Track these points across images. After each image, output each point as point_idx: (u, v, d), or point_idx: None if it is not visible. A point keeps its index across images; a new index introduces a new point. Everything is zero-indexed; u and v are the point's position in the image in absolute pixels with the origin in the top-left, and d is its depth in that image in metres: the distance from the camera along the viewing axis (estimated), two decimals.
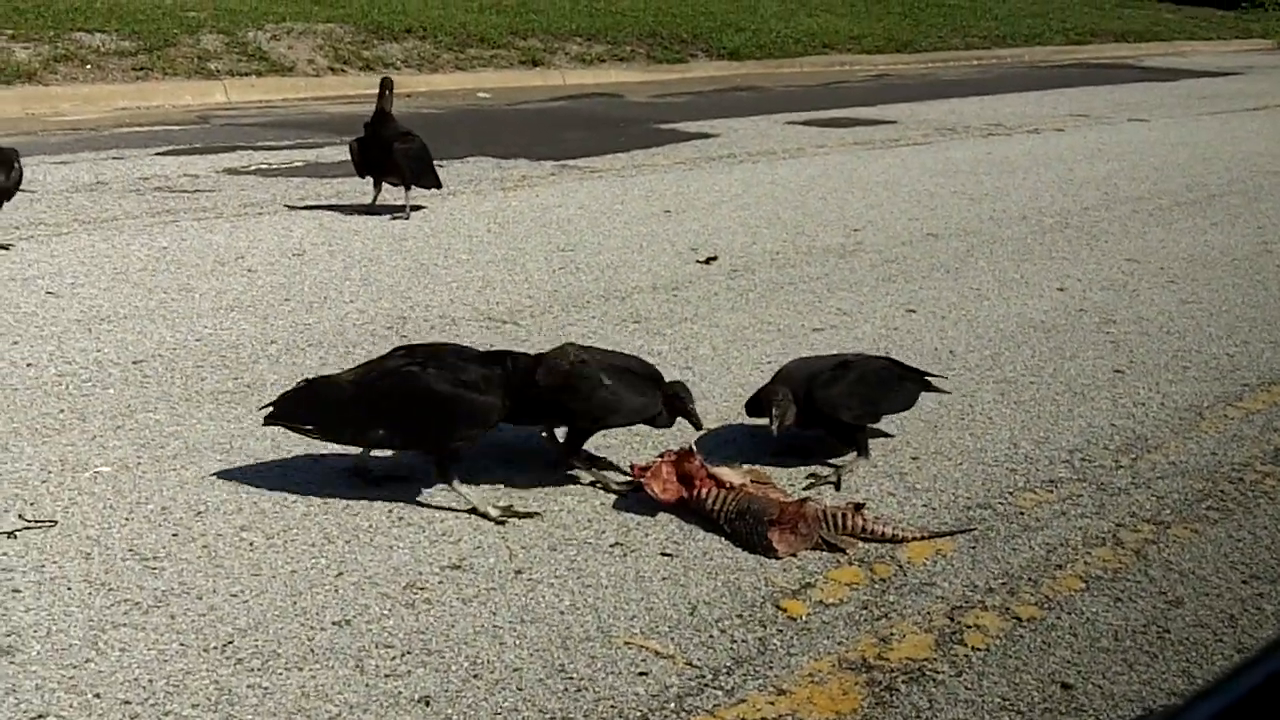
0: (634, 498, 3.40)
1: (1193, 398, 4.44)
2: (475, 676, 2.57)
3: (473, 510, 3.27)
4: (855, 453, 3.71)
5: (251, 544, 3.09)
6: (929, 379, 4.01)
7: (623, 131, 10.40)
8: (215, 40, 12.47)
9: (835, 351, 4.60)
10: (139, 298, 5.16)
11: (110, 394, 4.08)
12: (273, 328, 4.84)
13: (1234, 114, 13.56)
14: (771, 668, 2.65)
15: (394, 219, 6.74)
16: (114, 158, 8.26)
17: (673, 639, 2.74)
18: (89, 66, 11.37)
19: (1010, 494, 3.57)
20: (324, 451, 3.64)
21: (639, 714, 2.48)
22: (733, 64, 16.01)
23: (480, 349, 3.53)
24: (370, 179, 6.85)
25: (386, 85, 6.84)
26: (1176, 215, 7.79)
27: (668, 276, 5.82)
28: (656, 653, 2.69)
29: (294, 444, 3.70)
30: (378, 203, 6.87)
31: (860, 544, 3.19)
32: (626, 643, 2.72)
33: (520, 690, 2.53)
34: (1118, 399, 4.39)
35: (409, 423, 3.26)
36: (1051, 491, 3.60)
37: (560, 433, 3.59)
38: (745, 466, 3.52)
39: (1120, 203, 8.13)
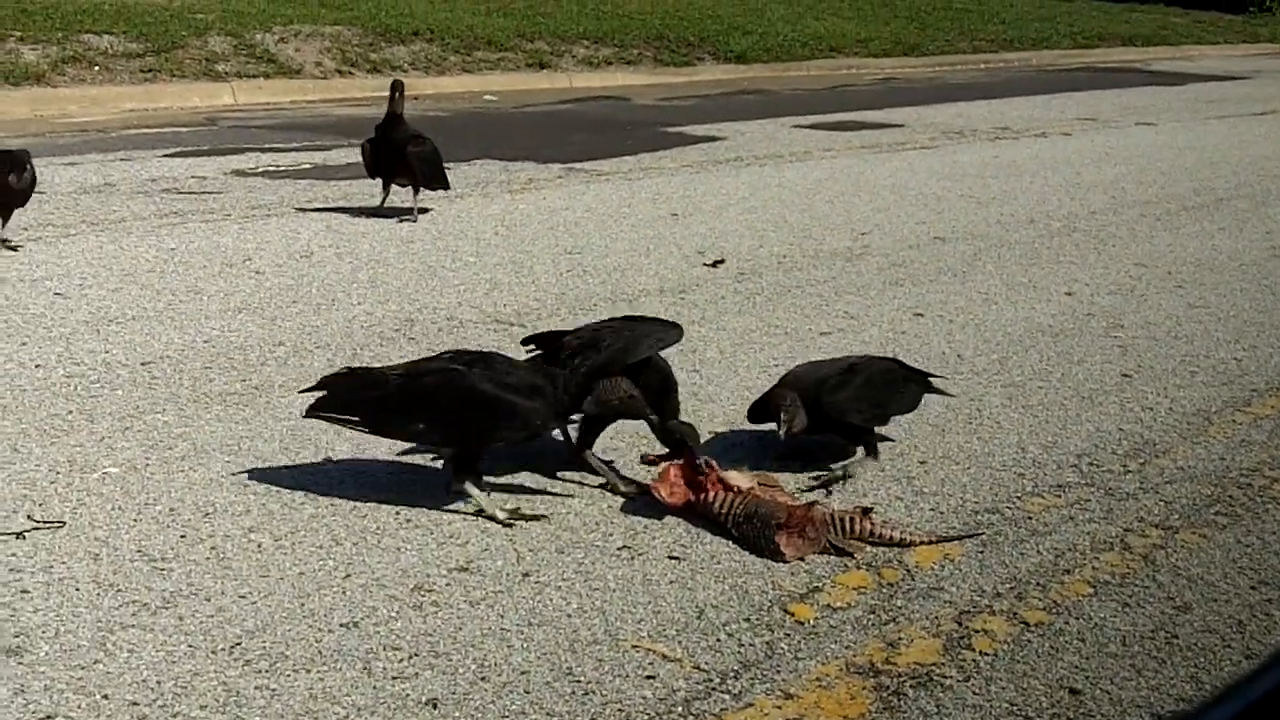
0: (641, 501, 3.41)
1: (1201, 403, 4.44)
2: (483, 679, 2.57)
3: (479, 512, 3.27)
4: (864, 453, 3.70)
5: (259, 545, 3.09)
6: (932, 381, 4.01)
7: (629, 134, 10.41)
8: (223, 42, 12.49)
9: (842, 354, 4.61)
10: (147, 299, 5.17)
11: (118, 395, 4.09)
12: (280, 329, 4.84)
13: (1241, 118, 13.55)
14: (779, 672, 2.65)
15: (401, 221, 6.75)
16: (122, 159, 8.27)
17: (680, 642, 2.74)
18: (97, 68, 11.39)
19: (1018, 499, 3.56)
20: (331, 453, 3.65)
21: (646, 717, 2.48)
22: (740, 67, 16.00)
23: (528, 362, 3.54)
24: (380, 180, 6.86)
25: (397, 88, 6.85)
26: (1184, 220, 7.78)
27: (674, 279, 5.82)
28: (664, 656, 2.69)
29: (301, 445, 3.70)
30: (385, 205, 6.88)
31: (868, 548, 3.19)
32: (634, 646, 2.72)
33: (527, 693, 2.53)
34: (1126, 404, 4.39)
35: (450, 419, 3.26)
36: (1059, 496, 3.59)
37: (572, 430, 3.59)
38: (752, 471, 3.51)
39: (1128, 207, 8.12)
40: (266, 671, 2.57)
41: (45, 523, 3.16)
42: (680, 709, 2.51)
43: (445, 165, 7.00)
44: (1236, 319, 5.55)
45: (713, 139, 10.25)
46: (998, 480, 3.68)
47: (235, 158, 8.55)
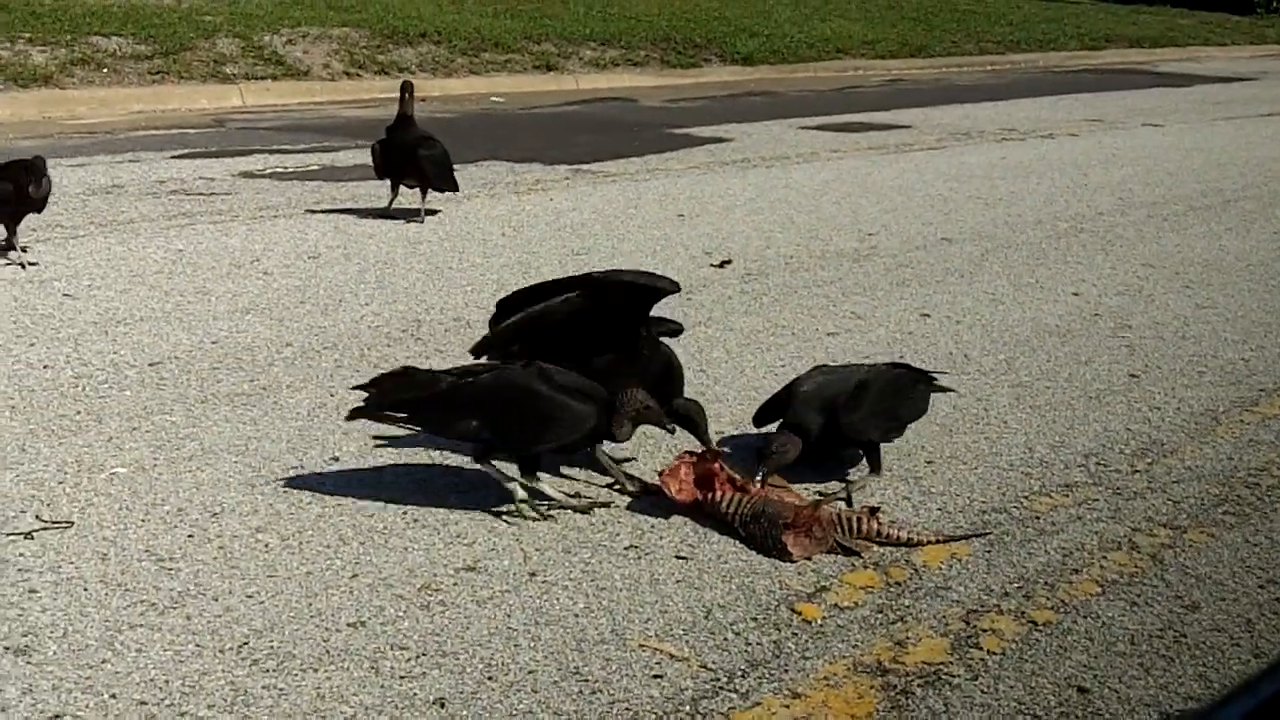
0: (649, 500, 3.41)
1: (1209, 402, 4.43)
2: (490, 679, 2.57)
3: (560, 506, 3.29)
4: (870, 469, 3.64)
5: (267, 545, 3.10)
6: (935, 379, 3.98)
7: (636, 136, 10.41)
8: (231, 44, 12.51)
9: (848, 358, 4.61)
10: (155, 300, 5.18)
11: (126, 396, 4.09)
12: (288, 330, 4.85)
13: (1249, 119, 13.53)
14: (786, 671, 2.65)
15: (409, 223, 6.75)
16: (130, 161, 8.29)
17: (687, 642, 2.74)
18: (105, 70, 11.42)
19: (1025, 498, 3.56)
20: (338, 455, 3.66)
21: (653, 717, 2.48)
22: (746, 69, 16.01)
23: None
24: (389, 181, 6.87)
25: (407, 89, 6.86)
26: (1191, 220, 7.77)
27: (681, 280, 5.77)
28: (671, 655, 2.69)
29: (309, 446, 3.71)
30: (393, 207, 6.88)
31: (875, 548, 3.19)
32: (641, 645, 2.72)
33: (535, 692, 2.53)
34: (1133, 403, 4.38)
35: (504, 418, 3.25)
36: (1067, 496, 3.59)
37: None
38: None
39: (1135, 208, 8.11)
40: (274, 671, 2.57)
41: (53, 523, 3.16)
42: (688, 708, 2.51)
43: (453, 167, 7.00)
44: (1244, 319, 5.54)
45: (719, 140, 10.26)
46: (1005, 480, 3.68)
47: (243, 159, 8.56)
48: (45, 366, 4.34)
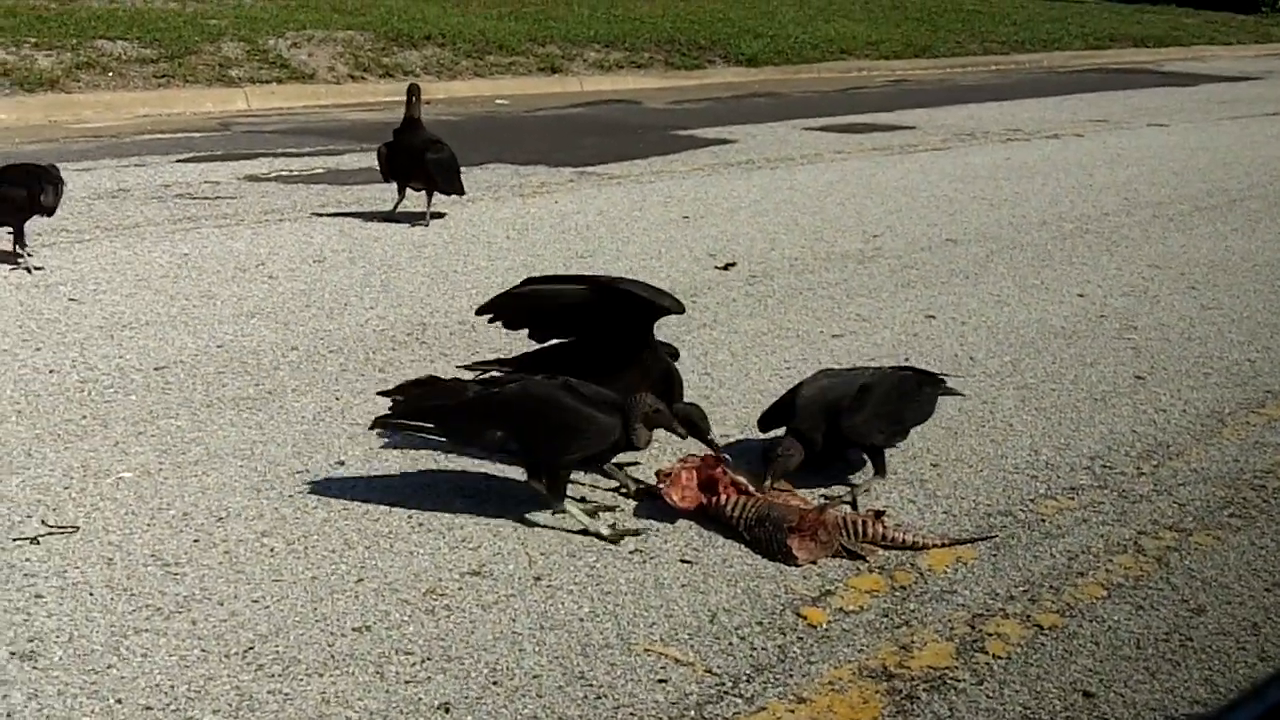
0: (653, 504, 3.41)
1: (1214, 404, 4.42)
2: (495, 683, 2.57)
3: (584, 530, 3.23)
4: (874, 472, 3.64)
5: (272, 550, 3.10)
6: (944, 381, 3.98)
7: (641, 138, 10.41)
8: (236, 48, 12.53)
9: (854, 360, 4.61)
10: (161, 304, 5.19)
11: (132, 400, 4.10)
12: (293, 334, 4.86)
13: (1254, 119, 13.51)
14: (791, 675, 2.65)
15: (414, 226, 6.76)
16: (136, 165, 8.30)
17: (692, 646, 2.74)
18: (111, 74, 11.44)
19: (1031, 501, 3.55)
20: (344, 459, 3.66)
21: None
22: (750, 70, 16.01)
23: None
24: (395, 184, 6.87)
25: (414, 92, 6.86)
26: (1197, 220, 7.76)
27: (686, 283, 5.81)
28: (676, 660, 2.68)
29: (314, 450, 3.71)
30: (399, 210, 6.88)
31: (880, 551, 3.19)
32: (646, 650, 2.72)
33: (540, 697, 2.53)
34: (1139, 405, 4.38)
35: (529, 429, 3.23)
36: (1073, 499, 3.58)
37: None
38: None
39: (1140, 208, 8.10)
40: (279, 676, 2.57)
41: (59, 527, 3.17)
42: (693, 713, 2.51)
43: (460, 170, 7.01)
44: (1250, 320, 5.54)
45: (724, 142, 10.25)
46: (1010, 483, 3.68)
47: (248, 163, 8.57)
48: (51, 371, 4.35)
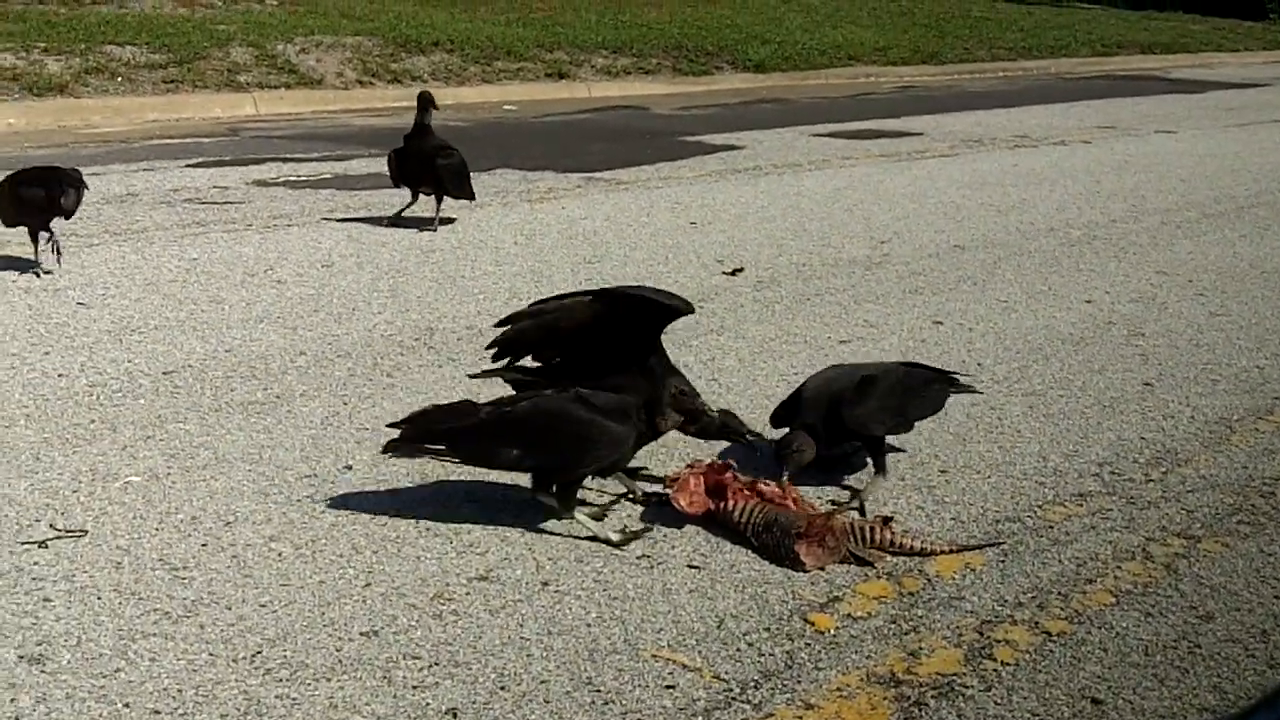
0: (661, 509, 3.41)
1: (1223, 411, 4.41)
2: (502, 688, 2.57)
3: (593, 537, 3.22)
4: (876, 472, 3.64)
5: (280, 554, 3.10)
6: (956, 379, 3.97)
7: (648, 144, 10.42)
8: (245, 53, 12.56)
9: (861, 362, 4.60)
10: (169, 309, 5.20)
11: (140, 404, 4.11)
12: (301, 339, 4.86)
13: (1262, 125, 13.49)
14: (799, 682, 2.64)
15: (422, 231, 6.77)
16: (144, 169, 8.32)
17: (700, 652, 2.74)
18: (120, 79, 11.47)
19: (1039, 507, 3.55)
20: (352, 464, 3.66)
21: None
22: (758, 76, 16.02)
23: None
24: (407, 189, 6.89)
25: (428, 100, 6.85)
26: (1205, 227, 7.75)
27: (693, 288, 5.81)
28: (684, 666, 2.68)
29: (322, 454, 3.72)
30: (407, 214, 6.89)
31: (888, 557, 3.18)
32: (654, 655, 2.72)
33: (547, 703, 2.53)
34: (1147, 412, 4.37)
35: (545, 444, 3.21)
36: (1081, 505, 3.58)
37: None
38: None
39: (1148, 214, 8.09)
40: (287, 680, 2.57)
41: (67, 531, 3.17)
42: (700, 719, 2.50)
43: (470, 175, 7.02)
44: (1258, 326, 5.53)
45: (731, 148, 10.26)
46: (1019, 489, 3.67)
47: (257, 168, 8.59)
48: (60, 375, 4.36)
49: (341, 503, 3.40)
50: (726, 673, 2.66)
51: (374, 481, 3.53)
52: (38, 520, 3.23)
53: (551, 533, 3.26)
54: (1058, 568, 3.19)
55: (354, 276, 5.84)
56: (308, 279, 5.75)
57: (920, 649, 2.78)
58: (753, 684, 2.63)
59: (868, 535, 3.19)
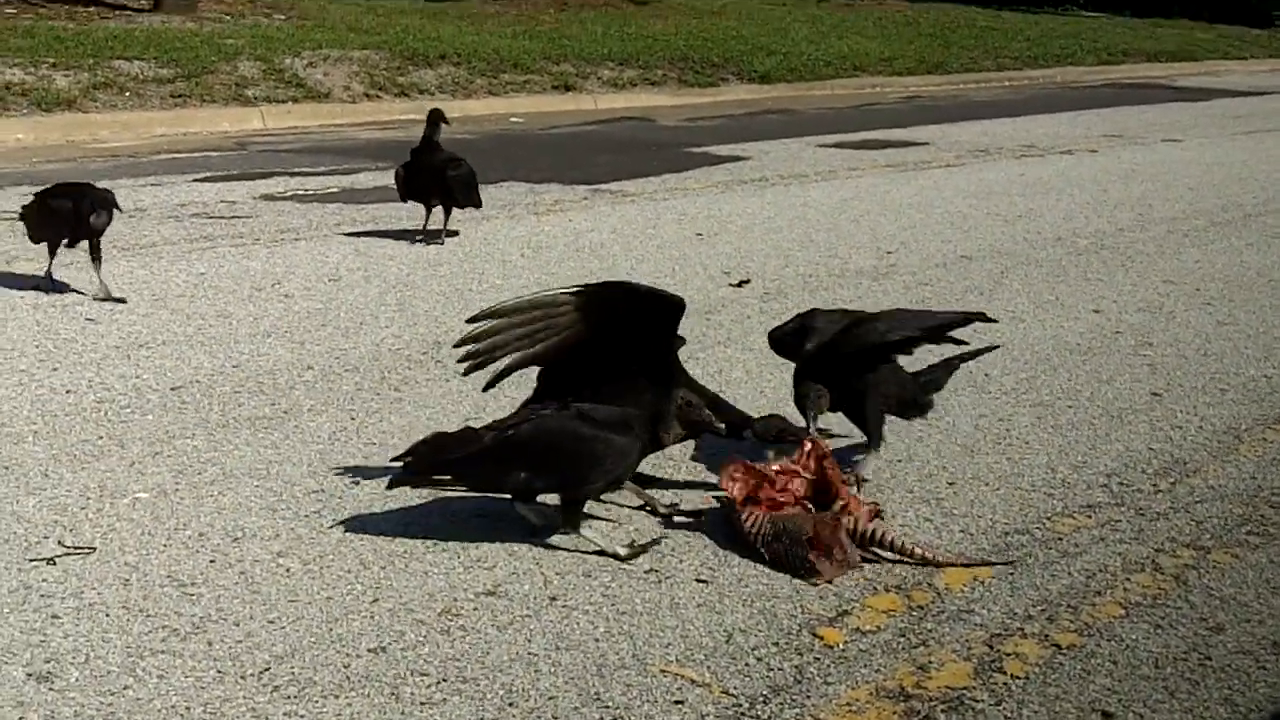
0: (669, 523, 3.41)
1: (1231, 420, 4.40)
2: (510, 704, 2.57)
3: (600, 552, 3.22)
4: (869, 445, 3.73)
5: (288, 570, 3.10)
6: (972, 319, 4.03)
7: (654, 155, 10.43)
8: (252, 67, 12.60)
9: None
10: (177, 324, 5.21)
11: (148, 420, 4.11)
12: (309, 353, 4.87)
13: (1269, 133, 13.47)
14: (809, 696, 2.64)
15: (429, 244, 6.78)
16: (152, 184, 8.35)
17: (708, 667, 2.73)
18: (128, 94, 11.51)
19: (1048, 519, 3.54)
20: (359, 479, 3.66)
21: None
22: (764, 87, 16.03)
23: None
24: (420, 205, 6.89)
25: (438, 117, 6.85)
26: (1212, 236, 7.74)
27: (700, 300, 5.81)
28: (692, 681, 2.68)
29: (329, 469, 3.72)
30: (426, 227, 6.89)
31: (890, 557, 3.19)
32: (662, 671, 2.71)
33: (555, 718, 2.53)
34: (1155, 422, 4.36)
35: (552, 464, 3.20)
36: (1090, 516, 3.57)
37: None
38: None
39: (1155, 224, 8.08)
40: (295, 697, 2.57)
41: (76, 548, 3.18)
42: None
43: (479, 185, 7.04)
44: (1266, 336, 5.51)
45: (737, 159, 10.27)
46: (1027, 501, 3.66)
47: (264, 182, 8.62)
48: (68, 391, 4.36)
49: (349, 518, 3.40)
50: (735, 688, 2.66)
51: (381, 497, 3.53)
52: (46, 537, 3.24)
53: (559, 548, 3.26)
54: (1067, 580, 3.18)
55: (361, 290, 5.85)
56: (315, 293, 5.76)
57: (929, 662, 2.77)
58: (761, 699, 2.62)
59: (866, 537, 3.21)
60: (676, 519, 3.43)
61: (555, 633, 2.85)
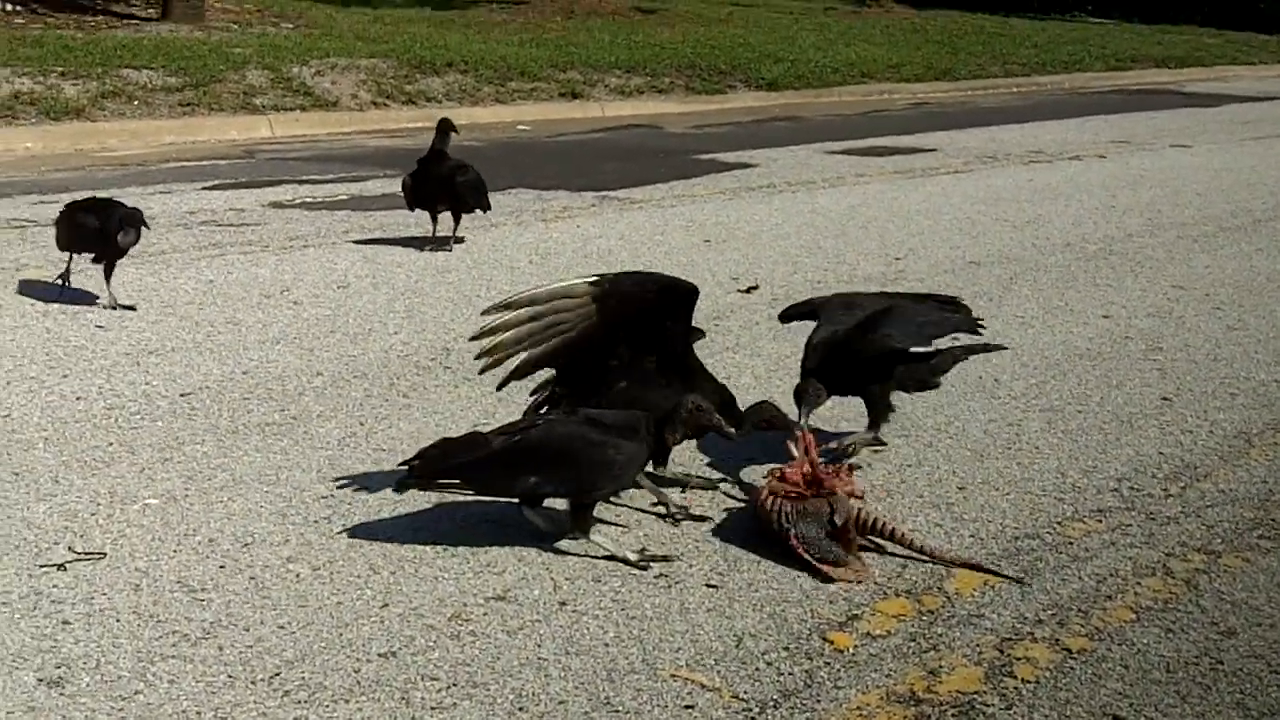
0: (679, 528, 3.40)
1: (1241, 425, 4.39)
2: (521, 709, 2.57)
3: (610, 557, 3.22)
4: (870, 425, 3.85)
5: (298, 575, 3.11)
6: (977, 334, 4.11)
7: (662, 162, 10.44)
8: (260, 76, 12.63)
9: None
10: (186, 331, 5.22)
11: (158, 426, 4.12)
12: (318, 360, 4.88)
13: (1278, 139, 13.44)
14: (819, 701, 2.63)
15: (437, 251, 6.79)
16: (161, 192, 8.37)
17: (718, 671, 2.73)
18: (136, 103, 11.55)
19: (1058, 524, 3.53)
20: (369, 484, 3.66)
21: None
22: (771, 94, 16.03)
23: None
24: (428, 213, 6.90)
25: (448, 127, 6.87)
26: (1221, 241, 7.72)
27: (709, 306, 5.80)
28: (702, 685, 2.67)
29: (339, 475, 3.72)
30: (436, 235, 6.90)
31: (888, 546, 3.23)
32: (672, 675, 2.71)
33: None
34: (1165, 427, 4.35)
35: (562, 468, 3.20)
36: (1100, 521, 3.56)
37: None
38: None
39: (1164, 229, 8.07)
40: (305, 702, 2.57)
41: (86, 554, 3.18)
42: None
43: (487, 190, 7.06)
44: (1276, 340, 5.50)
45: (745, 166, 10.27)
46: (1038, 505, 3.66)
47: (272, 190, 8.63)
48: (78, 398, 4.37)
49: (358, 524, 3.40)
50: (745, 692, 2.65)
51: (391, 502, 3.53)
52: (56, 543, 3.24)
53: (568, 552, 3.26)
54: (1078, 584, 3.17)
55: (370, 297, 5.85)
56: (324, 300, 5.77)
57: (940, 667, 2.77)
58: (772, 704, 2.62)
59: (866, 525, 3.21)
60: (686, 519, 3.44)
61: (565, 637, 2.85)
